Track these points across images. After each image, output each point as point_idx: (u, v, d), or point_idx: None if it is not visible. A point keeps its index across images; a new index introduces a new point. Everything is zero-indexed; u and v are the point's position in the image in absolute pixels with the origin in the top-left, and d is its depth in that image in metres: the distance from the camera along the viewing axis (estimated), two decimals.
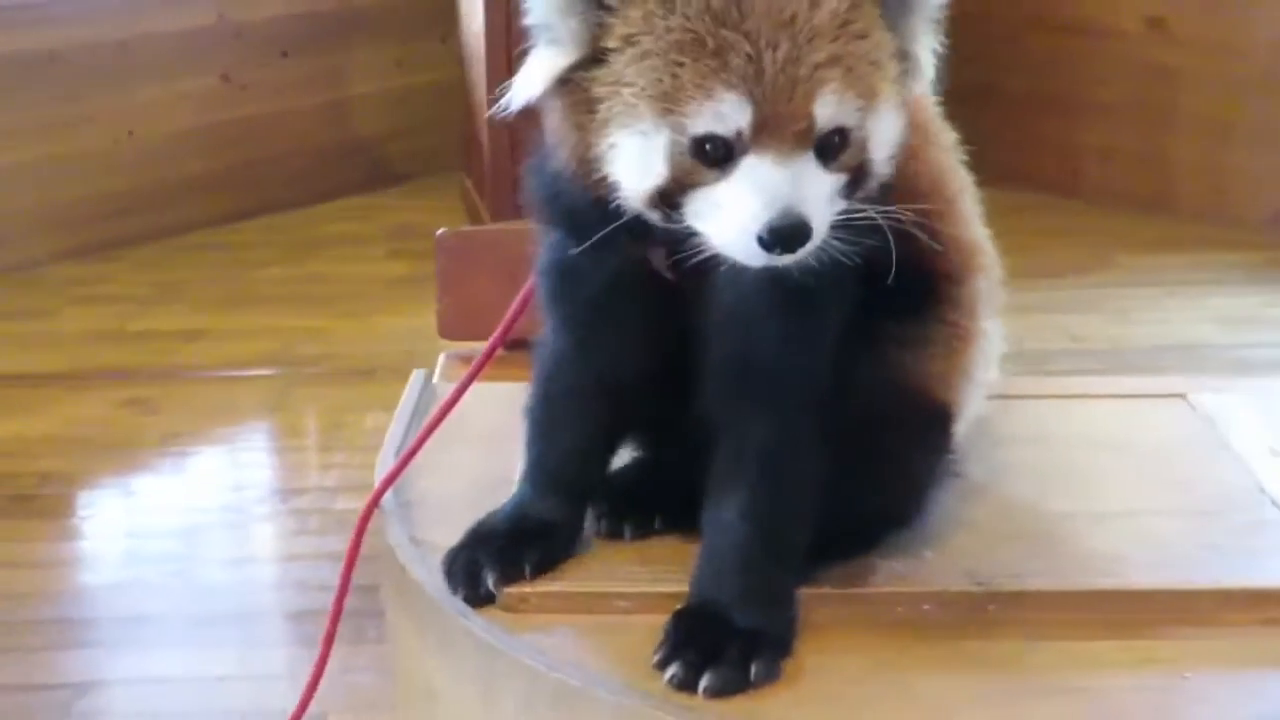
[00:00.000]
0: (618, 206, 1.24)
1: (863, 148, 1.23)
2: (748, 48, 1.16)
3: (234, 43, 5.60)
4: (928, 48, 1.29)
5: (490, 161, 5.20)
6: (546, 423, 1.51)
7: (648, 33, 1.18)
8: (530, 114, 1.31)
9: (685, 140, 1.18)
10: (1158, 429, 1.76)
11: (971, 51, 6.16)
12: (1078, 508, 1.52)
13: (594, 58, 1.21)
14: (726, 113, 1.17)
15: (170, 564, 3.43)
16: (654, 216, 1.24)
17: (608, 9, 1.20)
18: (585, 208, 1.28)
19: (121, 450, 3.98)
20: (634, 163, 1.21)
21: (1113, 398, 1.86)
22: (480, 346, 2.66)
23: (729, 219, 1.19)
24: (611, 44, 1.20)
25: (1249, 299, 4.89)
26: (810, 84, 1.17)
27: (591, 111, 1.21)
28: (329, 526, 3.51)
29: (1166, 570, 1.44)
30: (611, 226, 1.24)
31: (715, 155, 1.18)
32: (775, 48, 1.16)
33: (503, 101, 1.27)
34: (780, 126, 1.17)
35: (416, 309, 4.71)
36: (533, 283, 1.48)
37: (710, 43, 1.17)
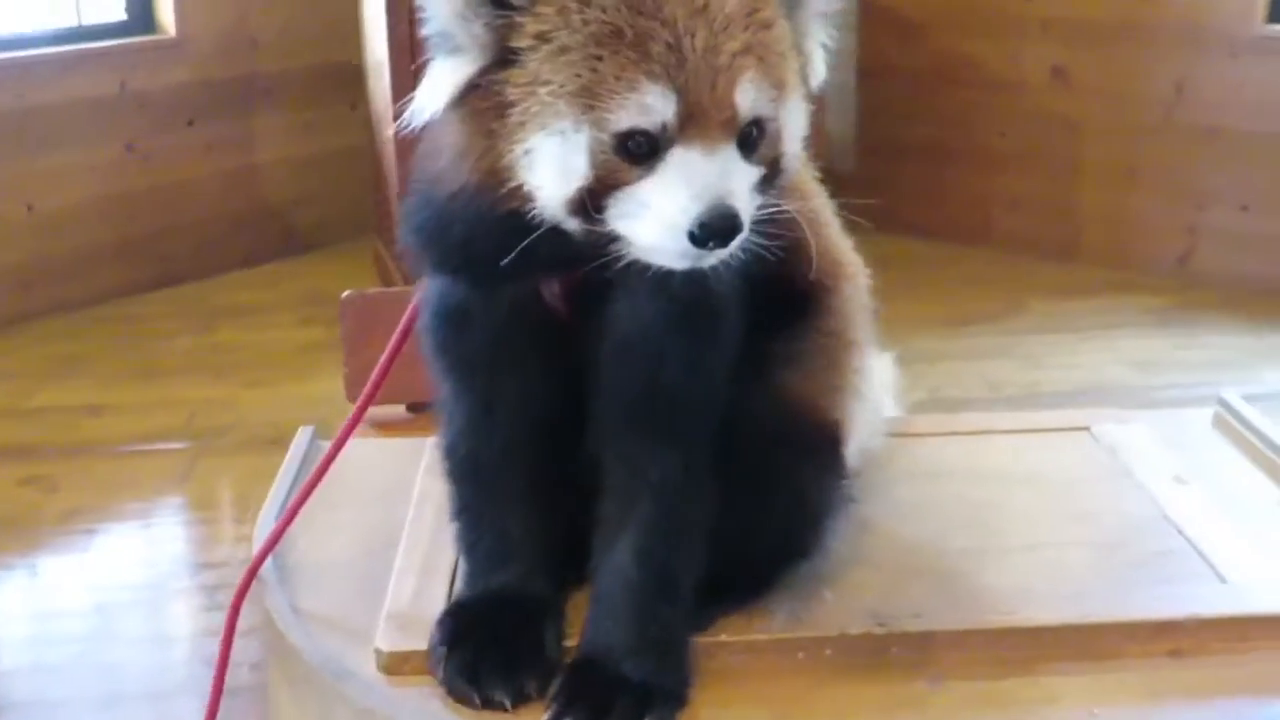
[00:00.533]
0: (531, 219, 1.17)
1: (778, 139, 1.20)
2: (667, 36, 1.12)
3: (137, 111, 5.51)
4: (820, 42, 1.25)
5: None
6: (484, 499, 1.41)
7: (563, 28, 1.14)
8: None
9: (608, 137, 1.13)
10: (1061, 462, 1.74)
11: (879, 105, 6.24)
12: (980, 544, 1.49)
13: (502, 60, 1.16)
14: (651, 104, 1.12)
15: (78, 645, 3.28)
16: (572, 224, 1.17)
17: (515, 8, 1.15)
18: (487, 231, 1.20)
19: (22, 529, 3.84)
20: (554, 165, 1.14)
21: (1016, 433, 1.83)
22: (389, 410, 2.65)
23: (657, 216, 1.14)
24: (523, 43, 1.15)
25: (1158, 341, 4.93)
26: (730, 72, 1.14)
27: (503, 116, 1.15)
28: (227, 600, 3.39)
29: (1071, 605, 1.41)
30: (521, 246, 1.17)
31: (640, 151, 1.14)
32: (694, 35, 1.13)
33: (406, 117, 1.21)
34: (706, 116, 1.13)
35: (327, 374, 4.61)
36: (421, 339, 1.41)
37: (629, 33, 1.12)
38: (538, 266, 1.24)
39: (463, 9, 1.15)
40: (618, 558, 1.30)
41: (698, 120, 1.13)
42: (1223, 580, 1.46)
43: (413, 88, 4.21)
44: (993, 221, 5.76)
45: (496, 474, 1.38)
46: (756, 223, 1.18)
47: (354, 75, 5.76)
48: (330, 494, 1.56)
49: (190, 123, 5.66)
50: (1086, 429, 1.81)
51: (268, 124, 5.91)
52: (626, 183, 1.14)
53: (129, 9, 5.53)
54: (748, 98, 1.15)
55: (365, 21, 5.43)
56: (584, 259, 1.20)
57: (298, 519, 1.61)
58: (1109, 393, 4.46)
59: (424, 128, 1.23)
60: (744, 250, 1.17)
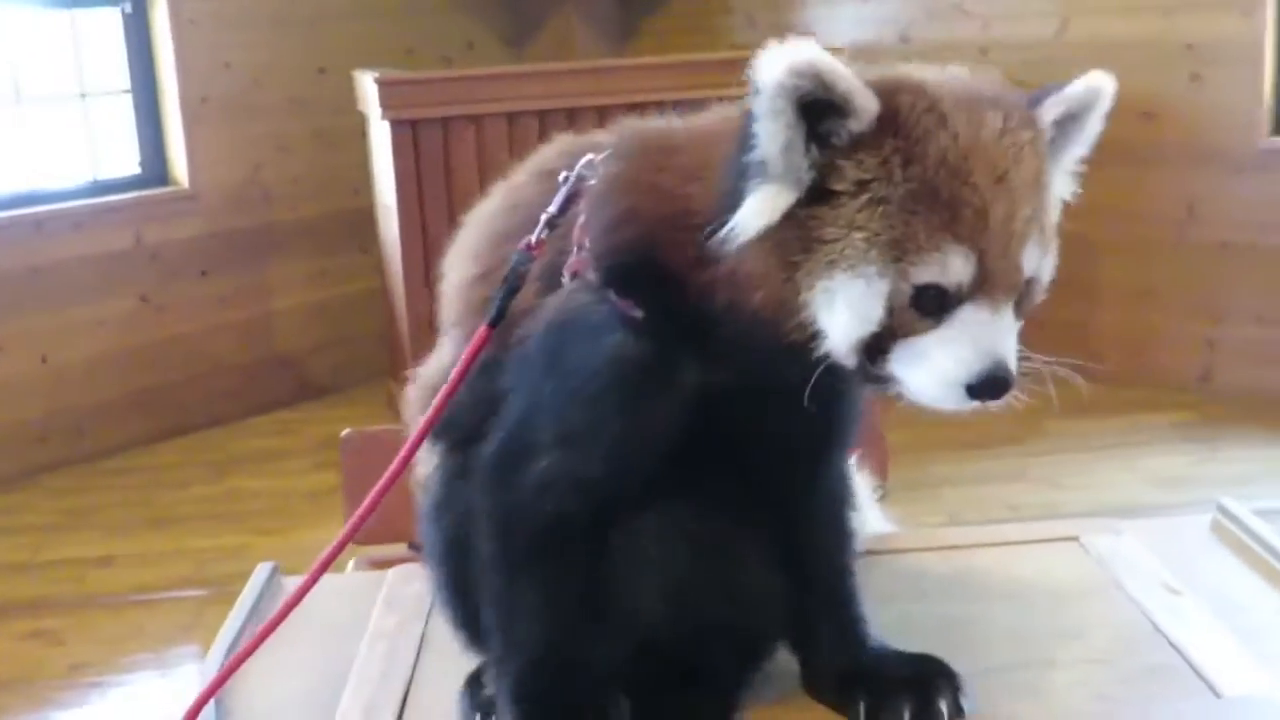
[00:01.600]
0: (810, 354, 1.19)
1: (1035, 296, 1.24)
2: (976, 202, 1.16)
3: (151, 264, 5.59)
4: (1063, 194, 1.29)
5: (414, 363, 5.15)
6: (551, 581, 1.34)
7: (884, 179, 1.16)
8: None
9: (908, 288, 1.16)
10: (1049, 575, 1.67)
11: None
12: (960, 667, 1.41)
13: (816, 198, 1.18)
14: (953, 264, 1.16)
15: None
16: (852, 363, 1.20)
17: (836, 150, 1.17)
18: (756, 351, 1.22)
19: (28, 684, 3.79)
20: (851, 308, 1.17)
21: (1002, 545, 1.76)
22: (392, 549, 2.59)
23: (939, 368, 1.17)
24: (840, 186, 1.17)
25: (1180, 458, 4.85)
26: (1022, 236, 1.18)
27: (810, 250, 1.17)
28: None
29: None
30: (803, 377, 1.20)
31: (932, 306, 1.17)
32: (997, 203, 1.16)
33: (728, 233, 1.19)
34: (999, 281, 1.17)
35: (340, 519, 4.59)
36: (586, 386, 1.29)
37: (944, 195, 1.15)
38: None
39: (792, 142, 1.16)
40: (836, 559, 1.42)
41: (990, 283, 1.17)
42: (1217, 695, 1.38)
43: (421, 225, 4.27)
44: None
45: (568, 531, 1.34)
46: None
47: (365, 220, 5.83)
48: (285, 630, 1.50)
49: (204, 273, 5.74)
50: (1075, 539, 1.74)
51: (281, 272, 5.98)
52: (915, 333, 1.17)
53: (143, 163, 5.65)
54: (1032, 261, 1.20)
55: (375, 165, 5.52)
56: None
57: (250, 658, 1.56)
58: (1131, 511, 4.35)
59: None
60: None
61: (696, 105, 5.10)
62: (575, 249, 1.32)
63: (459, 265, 1.46)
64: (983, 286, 1.17)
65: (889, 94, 1.17)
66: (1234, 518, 1.77)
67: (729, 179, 1.20)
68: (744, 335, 1.22)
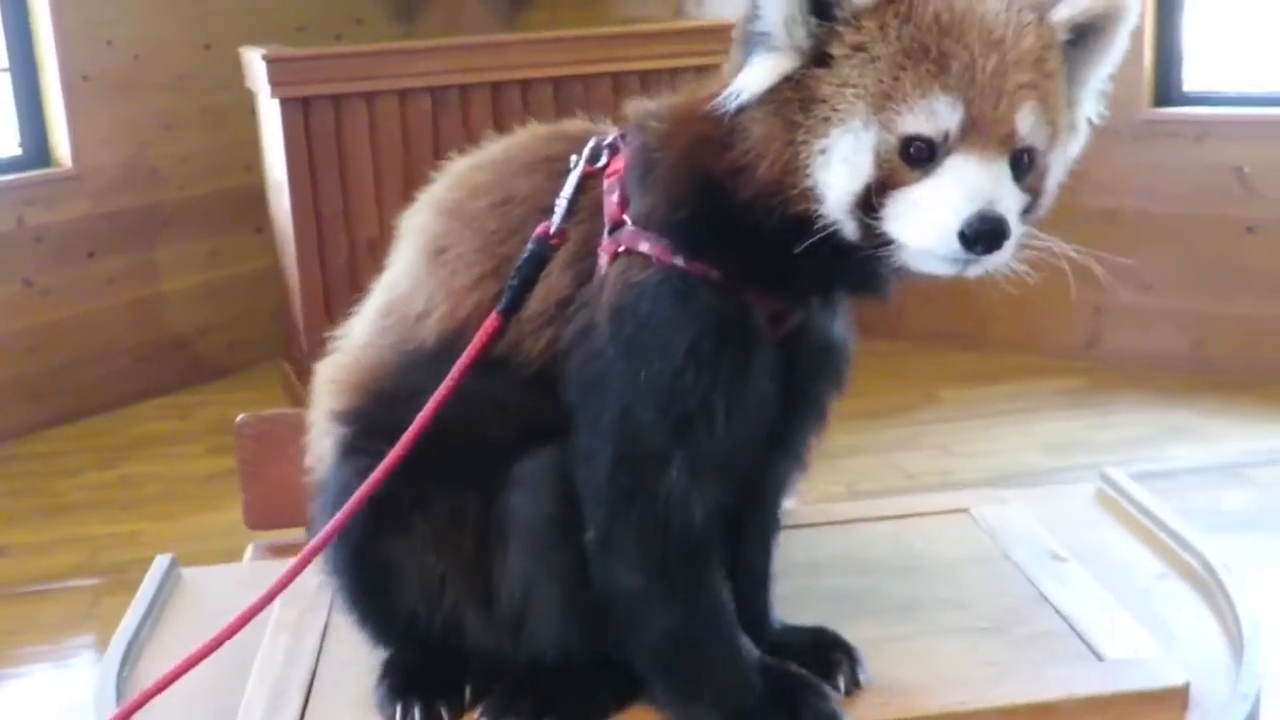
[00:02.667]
0: (810, 218, 1.24)
1: (1044, 174, 1.29)
2: (965, 57, 1.22)
3: (35, 247, 5.45)
4: (1084, 115, 1.34)
5: (308, 344, 5.11)
6: (708, 565, 1.34)
7: (879, 40, 1.23)
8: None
9: (894, 139, 1.22)
10: (940, 546, 1.71)
11: None
12: (854, 637, 1.44)
13: (816, 62, 1.24)
14: (939, 111, 1.21)
15: None
16: (850, 224, 1.24)
17: (838, 20, 1.24)
18: (772, 233, 1.26)
19: None
20: (844, 161, 1.22)
21: (895, 518, 1.80)
22: (290, 535, 2.56)
23: (930, 216, 1.21)
24: (839, 51, 1.24)
25: (1070, 424, 4.97)
26: (1015, 96, 1.23)
27: (808, 110, 1.24)
28: None
29: (947, 693, 1.37)
30: (802, 246, 1.24)
31: (919, 156, 1.22)
32: (987, 59, 1.22)
33: (728, 94, 1.26)
34: (986, 129, 1.22)
35: (234, 504, 4.54)
36: (668, 361, 1.29)
37: (934, 50, 1.22)
38: (810, 281, 1.31)
39: (793, 14, 1.24)
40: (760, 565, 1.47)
41: (978, 132, 1.22)
42: (1100, 659, 1.43)
43: (313, 204, 4.21)
44: (904, 314, 5.80)
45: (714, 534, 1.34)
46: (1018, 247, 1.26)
47: (257, 198, 5.74)
48: (186, 622, 1.50)
49: (91, 255, 5.61)
50: (966, 510, 1.79)
51: (170, 253, 5.87)
52: (905, 184, 1.22)
53: (23, 144, 5.50)
54: (1026, 123, 1.24)
55: (265, 143, 5.44)
56: (847, 281, 1.32)
57: (148, 649, 1.55)
58: (1024, 477, 4.47)
59: (696, 123, 1.30)
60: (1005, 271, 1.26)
61: (589, 80, 5.11)
62: (607, 230, 1.32)
63: (443, 270, 1.42)
64: (970, 136, 1.21)
65: None
66: (1116, 485, 1.83)
67: (738, 53, 1.27)
68: (776, 228, 1.26)
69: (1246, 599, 1.52)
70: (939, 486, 4.42)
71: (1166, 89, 5.29)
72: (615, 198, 1.34)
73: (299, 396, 5.29)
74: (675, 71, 5.35)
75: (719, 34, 6.02)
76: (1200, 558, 1.63)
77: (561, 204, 1.36)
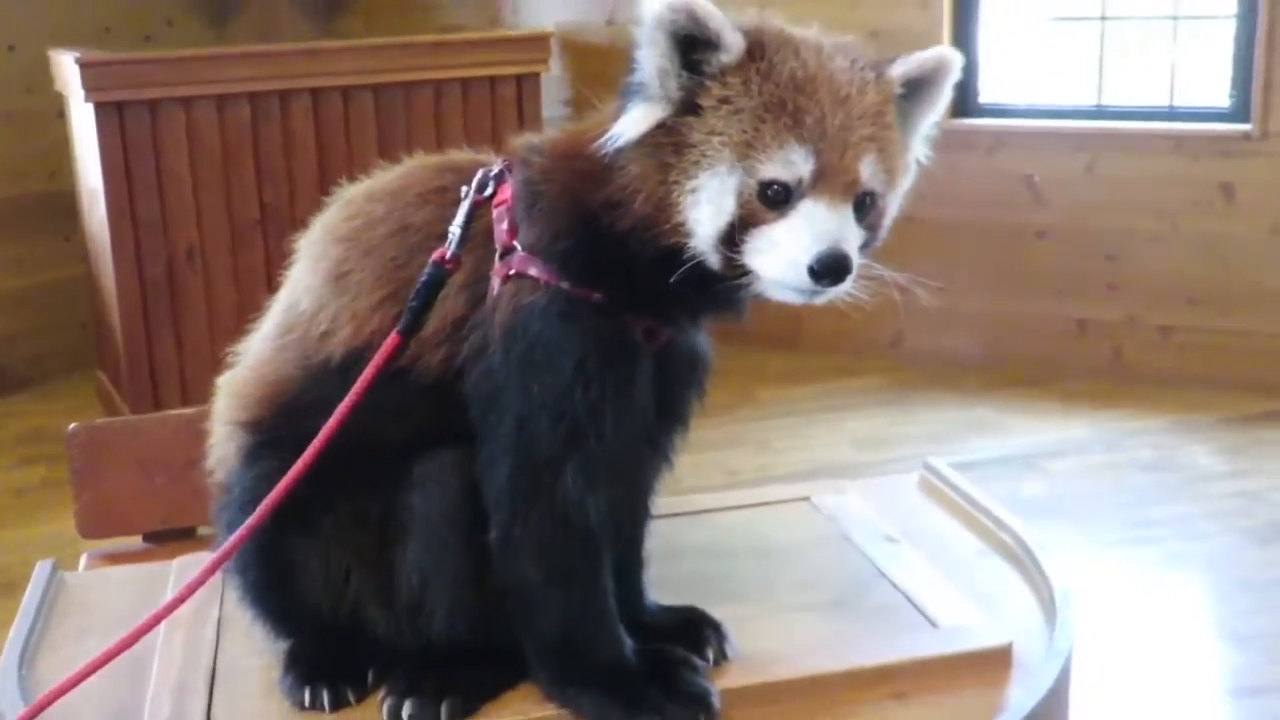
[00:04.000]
0: (679, 250, 1.37)
1: (882, 214, 1.44)
2: (817, 112, 1.37)
3: None
4: (915, 156, 1.49)
5: (126, 353, 5.03)
6: (598, 564, 1.46)
7: (743, 95, 1.37)
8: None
9: (754, 182, 1.36)
10: (787, 531, 1.86)
11: None
12: (720, 614, 1.58)
13: (687, 111, 1.37)
14: (794, 160, 1.35)
15: None
16: (715, 256, 1.37)
17: (706, 75, 1.37)
18: (647, 263, 1.39)
19: None
20: (710, 201, 1.36)
21: (745, 508, 1.95)
22: (123, 542, 2.57)
23: (784, 252, 1.35)
24: (707, 102, 1.37)
25: (879, 420, 5.23)
26: (859, 147, 1.38)
27: (680, 154, 1.37)
28: None
29: (801, 661, 1.51)
30: (674, 278, 1.37)
31: (776, 198, 1.36)
32: (835, 115, 1.37)
33: (609, 137, 1.39)
34: (834, 177, 1.37)
35: (52, 515, 4.45)
36: (568, 383, 1.41)
37: (790, 105, 1.36)
38: (679, 304, 1.45)
39: (665, 68, 1.37)
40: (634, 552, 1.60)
41: (827, 179, 1.36)
42: (935, 626, 1.59)
43: (130, 210, 4.17)
44: None
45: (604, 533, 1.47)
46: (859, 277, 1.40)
47: (67, 205, 5.62)
48: (74, 625, 1.54)
49: None
50: (807, 499, 1.95)
51: None
52: (763, 223, 1.36)
53: None
54: (868, 170, 1.39)
55: (77, 148, 5.33)
56: (711, 305, 1.46)
57: (41, 653, 1.59)
58: (837, 470, 4.70)
59: (575, 160, 1.43)
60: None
61: (410, 88, 5.17)
62: (498, 255, 1.44)
63: (346, 294, 1.51)
64: (820, 183, 1.36)
65: (755, 33, 1.40)
66: (937, 473, 2.01)
67: (618, 101, 1.41)
68: (650, 258, 1.39)
69: (1056, 570, 1.71)
70: (758, 481, 4.61)
71: (963, 101, 5.61)
72: (505, 225, 1.45)
73: (114, 406, 5.24)
74: (494, 80, 5.46)
75: (537, 43, 6.18)
76: (1015, 536, 1.81)
77: (455, 231, 1.47)
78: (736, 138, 1.35)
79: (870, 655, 1.52)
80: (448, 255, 1.45)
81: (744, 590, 1.70)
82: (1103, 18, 5.55)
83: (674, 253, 1.38)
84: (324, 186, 5.71)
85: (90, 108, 4.86)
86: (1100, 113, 5.56)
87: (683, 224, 1.37)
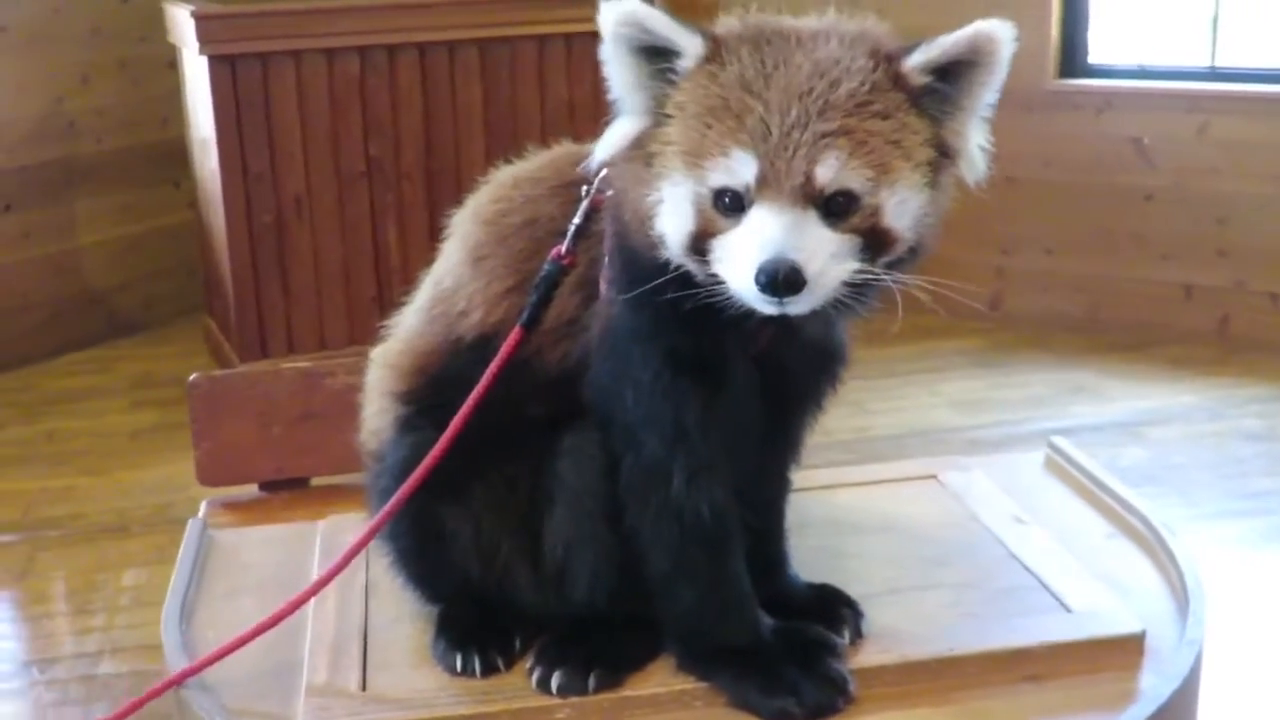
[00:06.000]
0: (666, 264, 1.37)
1: (875, 214, 1.33)
2: (762, 111, 1.31)
3: None
4: (974, 142, 1.40)
5: (235, 301, 5.14)
6: (727, 556, 1.49)
7: (693, 100, 1.34)
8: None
9: (706, 191, 1.33)
10: (913, 509, 1.88)
11: None
12: (848, 590, 1.61)
13: (655, 123, 1.36)
14: (736, 167, 1.31)
15: None
16: (692, 265, 1.36)
17: (670, 83, 1.35)
18: (648, 266, 1.37)
19: None
20: (671, 212, 1.35)
21: (869, 484, 1.97)
22: (238, 491, 2.65)
23: (735, 261, 1.32)
24: (670, 110, 1.35)
25: (976, 382, 5.21)
26: (814, 147, 1.30)
27: (650, 166, 1.36)
28: (94, 693, 3.35)
29: (936, 641, 1.53)
30: (661, 280, 1.36)
31: (730, 206, 1.32)
32: (785, 114, 1.30)
33: (590, 158, 1.42)
34: (780, 181, 1.30)
35: (166, 459, 4.58)
36: (651, 393, 1.43)
37: (735, 106, 1.32)
38: (719, 319, 1.38)
39: (632, 81, 1.36)
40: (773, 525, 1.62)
41: (772, 184, 1.30)
42: (1068, 610, 1.61)
43: (241, 161, 4.24)
44: None
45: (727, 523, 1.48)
46: (854, 285, 1.34)
47: (177, 153, 5.72)
48: (227, 585, 1.60)
49: (7, 208, 5.56)
50: (934, 477, 1.96)
51: (88, 206, 5.83)
52: (721, 231, 1.33)
53: None
54: (829, 170, 1.30)
55: (189, 98, 5.42)
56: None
57: (198, 609, 1.65)
58: (933, 434, 4.70)
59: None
60: (837, 306, 1.36)
61: (514, 43, 5.15)
62: (607, 258, 1.47)
63: (482, 278, 1.55)
64: (766, 188, 1.30)
65: (721, 33, 1.36)
66: (1064, 454, 2.02)
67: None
68: (653, 271, 1.37)
69: (1187, 556, 1.71)
70: (855, 442, 4.62)
71: (1071, 61, 5.53)
72: (606, 230, 1.48)
73: (222, 352, 5.36)
74: (597, 35, 5.45)
75: None
76: (1143, 519, 1.81)
77: (570, 229, 1.50)
78: (685, 145, 1.33)
79: (1003, 638, 1.54)
80: (563, 251, 1.49)
81: (873, 568, 1.72)
82: None
83: (663, 265, 1.37)
84: (428, 141, 5.79)
85: (204, 60, 4.93)
86: (1214, 74, 5.45)
87: (659, 236, 1.37)
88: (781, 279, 1.28)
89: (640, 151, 1.37)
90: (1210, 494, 4.24)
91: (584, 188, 1.51)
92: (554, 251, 1.49)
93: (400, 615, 1.60)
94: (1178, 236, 5.46)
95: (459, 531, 1.52)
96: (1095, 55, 5.58)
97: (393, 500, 1.48)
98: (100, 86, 5.79)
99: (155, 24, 5.44)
